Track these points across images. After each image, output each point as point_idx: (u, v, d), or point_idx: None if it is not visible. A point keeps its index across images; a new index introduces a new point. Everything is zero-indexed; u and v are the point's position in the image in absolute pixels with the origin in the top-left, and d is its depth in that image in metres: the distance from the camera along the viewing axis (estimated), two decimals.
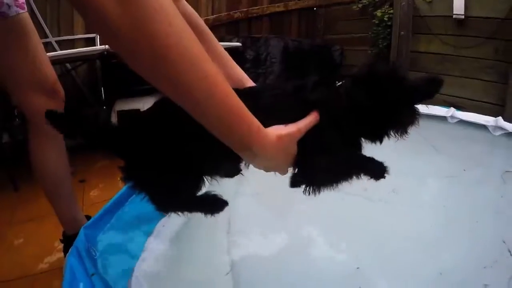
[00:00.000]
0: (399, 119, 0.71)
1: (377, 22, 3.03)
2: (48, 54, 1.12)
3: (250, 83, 0.88)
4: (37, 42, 1.08)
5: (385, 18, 2.95)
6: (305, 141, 0.65)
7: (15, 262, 1.50)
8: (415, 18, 2.77)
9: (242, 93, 0.58)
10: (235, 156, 0.62)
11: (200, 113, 0.50)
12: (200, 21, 0.87)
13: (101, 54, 2.24)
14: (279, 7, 3.78)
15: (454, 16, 2.54)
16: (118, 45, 0.44)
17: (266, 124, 0.60)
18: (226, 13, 3.56)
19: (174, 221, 1.18)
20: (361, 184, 0.76)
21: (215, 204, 0.85)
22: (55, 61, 1.45)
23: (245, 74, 0.89)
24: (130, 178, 0.72)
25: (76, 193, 1.34)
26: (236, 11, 3.60)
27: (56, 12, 2.76)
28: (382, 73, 0.68)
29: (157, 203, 0.78)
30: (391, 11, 2.90)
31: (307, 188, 0.74)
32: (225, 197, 0.82)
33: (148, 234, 1.16)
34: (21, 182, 2.15)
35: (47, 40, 2.66)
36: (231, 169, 0.77)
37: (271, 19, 3.81)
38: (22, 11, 1.05)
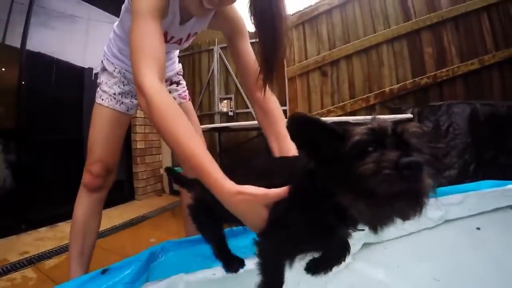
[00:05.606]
0: (367, 191, 0.51)
1: None
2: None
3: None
4: (195, 121, 1.44)
5: None
6: (273, 211, 0.69)
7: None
8: None
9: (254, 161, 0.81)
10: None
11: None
12: (273, 107, 1.14)
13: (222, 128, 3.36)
14: (473, 65, 3.29)
15: None
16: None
17: (255, 184, 0.71)
18: (411, 81, 3.50)
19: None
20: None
21: (231, 261, 0.92)
22: None
23: (295, 149, 0.95)
24: (191, 213, 0.95)
25: None
26: (423, 76, 3.47)
27: None
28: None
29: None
30: None
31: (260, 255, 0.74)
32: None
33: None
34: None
35: None
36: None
37: (466, 80, 3.36)
38: (184, 101, 1.44)
